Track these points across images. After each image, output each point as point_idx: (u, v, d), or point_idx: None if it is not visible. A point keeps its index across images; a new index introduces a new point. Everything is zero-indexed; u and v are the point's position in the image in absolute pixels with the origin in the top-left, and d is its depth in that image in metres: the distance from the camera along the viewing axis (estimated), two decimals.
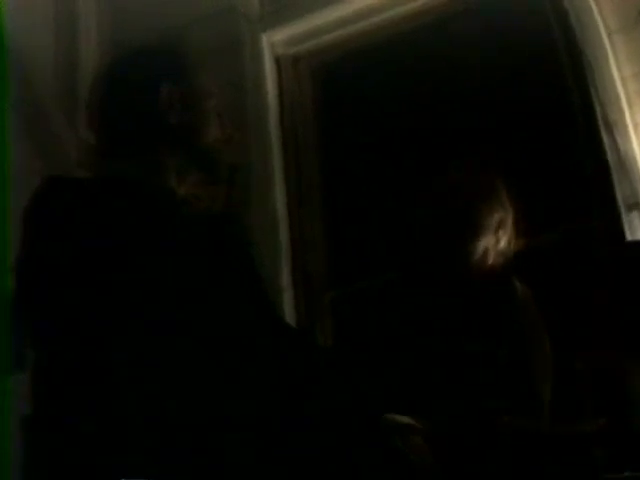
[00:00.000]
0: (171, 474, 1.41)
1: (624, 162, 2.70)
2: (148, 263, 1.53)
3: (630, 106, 2.74)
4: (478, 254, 2.17)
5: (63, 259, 1.53)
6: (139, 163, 1.72)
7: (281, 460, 1.45)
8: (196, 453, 1.42)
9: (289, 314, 2.94)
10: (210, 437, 1.43)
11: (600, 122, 2.76)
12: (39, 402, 1.56)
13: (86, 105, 1.82)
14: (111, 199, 1.63)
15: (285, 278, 3.06)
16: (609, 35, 2.82)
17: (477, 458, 1.74)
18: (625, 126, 2.72)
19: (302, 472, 1.45)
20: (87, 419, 1.46)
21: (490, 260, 2.19)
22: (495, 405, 1.96)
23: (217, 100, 1.81)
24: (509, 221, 2.21)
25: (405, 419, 1.61)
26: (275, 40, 3.42)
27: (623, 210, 2.69)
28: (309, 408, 1.52)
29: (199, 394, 1.46)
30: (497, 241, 2.19)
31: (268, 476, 1.44)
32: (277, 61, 3.44)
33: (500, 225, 2.20)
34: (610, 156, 2.73)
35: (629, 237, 2.67)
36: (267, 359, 1.56)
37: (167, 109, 1.72)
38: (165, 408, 1.44)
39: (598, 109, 2.77)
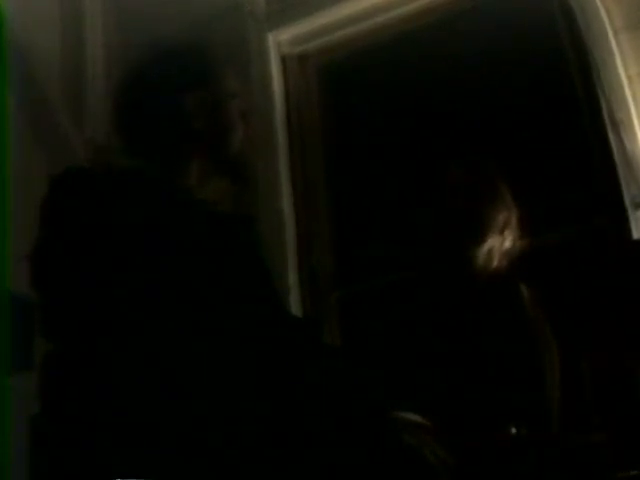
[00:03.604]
0: (180, 472, 1.42)
1: (630, 161, 2.69)
2: (163, 259, 1.54)
3: (636, 105, 2.74)
4: (483, 255, 2.16)
5: (80, 251, 1.54)
6: (163, 164, 1.73)
7: (289, 458, 1.45)
8: (207, 451, 1.42)
9: (295, 314, 2.94)
10: (222, 435, 1.44)
11: (606, 121, 2.75)
12: (47, 401, 1.56)
13: (111, 106, 1.83)
14: (129, 193, 1.63)
15: (291, 278, 3.07)
16: (615, 34, 2.81)
17: (485, 459, 1.74)
18: (631, 125, 2.72)
19: (311, 471, 1.45)
20: (96, 418, 1.47)
21: (495, 261, 2.18)
22: (502, 411, 1.96)
23: (241, 101, 1.82)
24: (514, 221, 2.21)
25: (415, 417, 1.61)
26: (281, 39, 3.42)
27: (630, 208, 2.69)
28: (317, 405, 1.52)
29: (209, 391, 1.47)
30: (502, 241, 2.19)
31: (278, 475, 1.44)
32: (283, 60, 3.44)
33: (505, 225, 2.19)
34: (616, 155, 2.72)
35: (636, 236, 2.66)
36: (277, 357, 1.56)
37: (194, 116, 1.74)
38: (175, 406, 1.44)
39: (604, 108, 2.76)
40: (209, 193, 1.77)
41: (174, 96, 1.74)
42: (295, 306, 3.01)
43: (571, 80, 2.92)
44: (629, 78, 2.76)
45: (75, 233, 1.56)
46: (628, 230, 2.67)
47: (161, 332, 1.49)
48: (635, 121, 2.72)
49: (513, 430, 1.88)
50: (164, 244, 1.56)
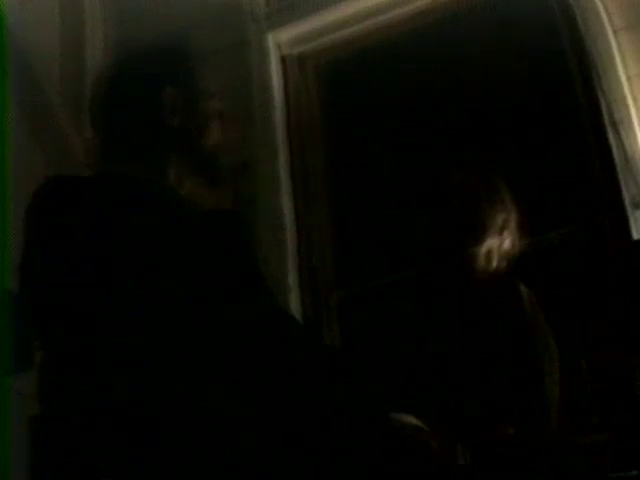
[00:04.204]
0: (178, 473, 1.42)
1: (630, 161, 2.70)
2: (152, 262, 1.54)
3: (636, 105, 2.74)
4: (482, 256, 2.16)
5: (69, 257, 1.54)
6: (141, 164, 1.72)
7: (289, 460, 1.45)
8: (204, 452, 1.42)
9: (295, 314, 2.94)
10: (218, 437, 1.44)
11: (606, 121, 2.76)
12: (47, 402, 1.57)
13: (89, 106, 1.82)
14: (113, 197, 1.63)
15: (291, 278, 3.07)
16: (615, 33, 2.82)
17: (484, 459, 1.74)
18: (631, 124, 2.72)
19: (311, 472, 1.45)
20: (96, 418, 1.47)
21: (494, 262, 2.18)
22: (500, 410, 1.96)
23: (218, 100, 1.81)
24: (513, 222, 2.20)
25: (412, 419, 1.61)
26: (281, 39, 3.43)
27: (629, 208, 2.69)
28: (316, 407, 1.52)
29: (206, 393, 1.46)
30: (501, 243, 2.18)
31: (279, 476, 1.44)
32: (283, 60, 3.45)
33: (504, 226, 2.19)
34: (616, 155, 2.72)
35: (636, 236, 2.66)
36: (273, 357, 1.55)
37: (169, 113, 1.73)
38: (173, 407, 1.44)
39: (604, 108, 2.77)
40: (188, 192, 1.76)
41: (150, 92, 1.73)
42: (295, 306, 3.01)
43: (571, 80, 2.92)
44: (629, 78, 2.77)
45: (60, 239, 1.56)
46: (628, 230, 2.67)
47: (156, 335, 1.49)
48: (635, 121, 2.72)
49: (512, 430, 1.89)
50: (152, 248, 1.55)
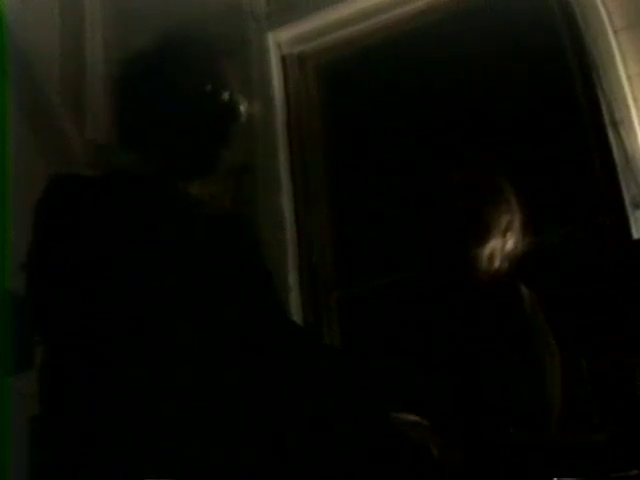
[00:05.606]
0: (179, 474, 1.42)
1: (630, 161, 2.69)
2: (158, 261, 1.54)
3: (636, 105, 2.74)
4: (484, 257, 2.16)
5: (74, 256, 1.54)
6: (149, 164, 1.72)
7: (289, 459, 1.45)
8: (204, 452, 1.42)
9: (295, 314, 2.94)
10: (219, 437, 1.44)
11: (606, 120, 2.76)
12: (47, 402, 1.57)
13: (108, 103, 1.83)
14: (121, 198, 1.63)
15: (292, 278, 3.07)
16: (615, 33, 2.82)
17: (485, 459, 1.74)
18: (631, 124, 2.72)
19: (313, 473, 1.45)
20: (96, 419, 1.47)
21: (496, 263, 2.17)
22: (501, 411, 1.97)
23: (232, 91, 1.80)
24: (517, 223, 2.20)
25: (412, 417, 1.61)
26: (281, 39, 3.43)
27: (629, 208, 2.69)
28: (316, 407, 1.52)
29: (207, 393, 1.47)
30: (504, 244, 2.18)
31: (280, 476, 1.44)
32: (283, 60, 3.45)
33: (508, 227, 2.19)
34: (616, 155, 2.72)
35: (636, 236, 2.66)
36: (274, 357, 1.56)
37: (186, 107, 1.72)
38: (174, 407, 1.44)
39: (604, 107, 2.77)
40: (194, 192, 1.76)
41: (158, 93, 1.73)
42: (295, 306, 3.01)
43: (571, 80, 2.92)
44: (629, 77, 2.77)
45: (68, 239, 1.57)
46: (628, 230, 2.67)
47: (160, 334, 1.49)
48: (635, 121, 2.72)
49: (513, 430, 1.89)
50: (159, 248, 1.56)
